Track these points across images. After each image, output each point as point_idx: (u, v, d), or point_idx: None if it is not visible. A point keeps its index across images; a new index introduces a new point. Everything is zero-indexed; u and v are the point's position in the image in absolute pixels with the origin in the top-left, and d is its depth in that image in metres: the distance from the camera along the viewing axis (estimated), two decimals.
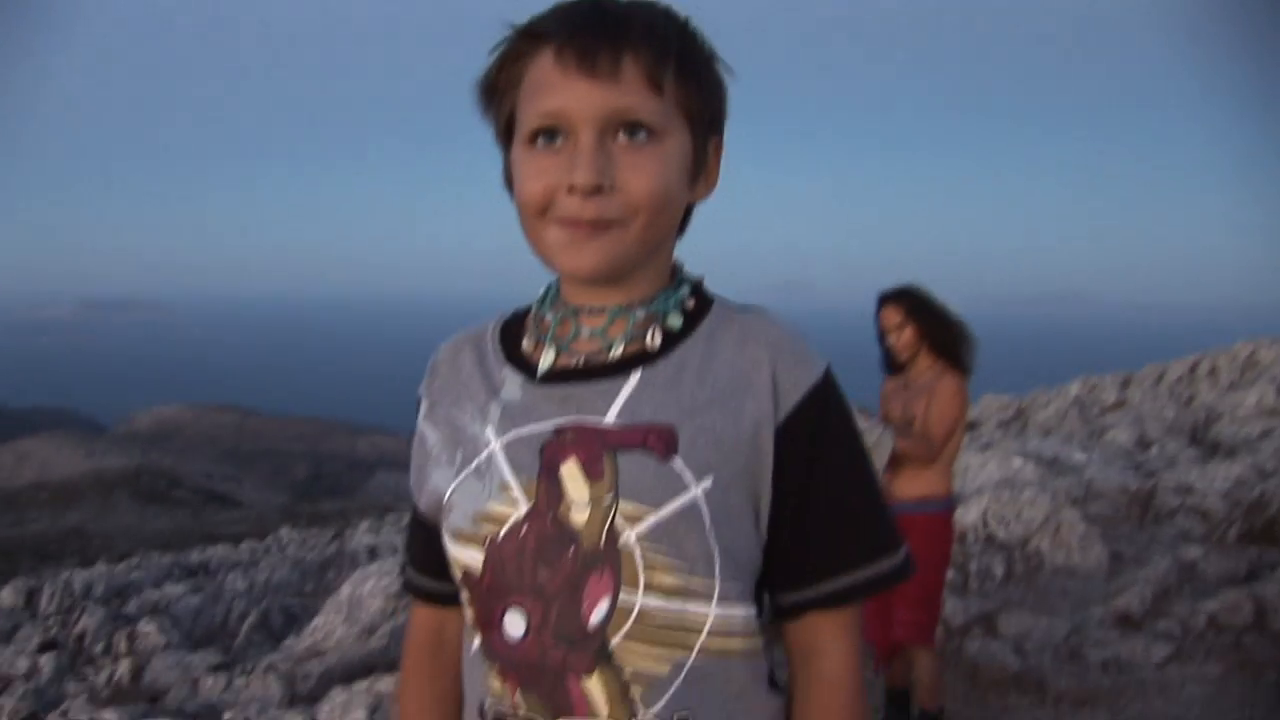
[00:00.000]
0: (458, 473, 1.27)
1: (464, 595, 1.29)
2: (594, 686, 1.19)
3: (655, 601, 1.19)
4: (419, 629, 1.47)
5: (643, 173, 1.18)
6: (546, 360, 1.27)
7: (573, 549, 1.20)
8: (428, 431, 1.35)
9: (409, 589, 1.49)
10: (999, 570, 7.92)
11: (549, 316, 1.31)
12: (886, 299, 4.64)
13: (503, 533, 1.22)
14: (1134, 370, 22.96)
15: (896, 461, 4.62)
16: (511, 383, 1.29)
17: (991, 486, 9.60)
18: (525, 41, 1.21)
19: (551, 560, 1.20)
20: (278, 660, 7.11)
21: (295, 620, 9.47)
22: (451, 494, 1.27)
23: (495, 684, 1.25)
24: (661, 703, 1.19)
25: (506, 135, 1.27)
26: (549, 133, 1.19)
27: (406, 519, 1.53)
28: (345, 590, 6.75)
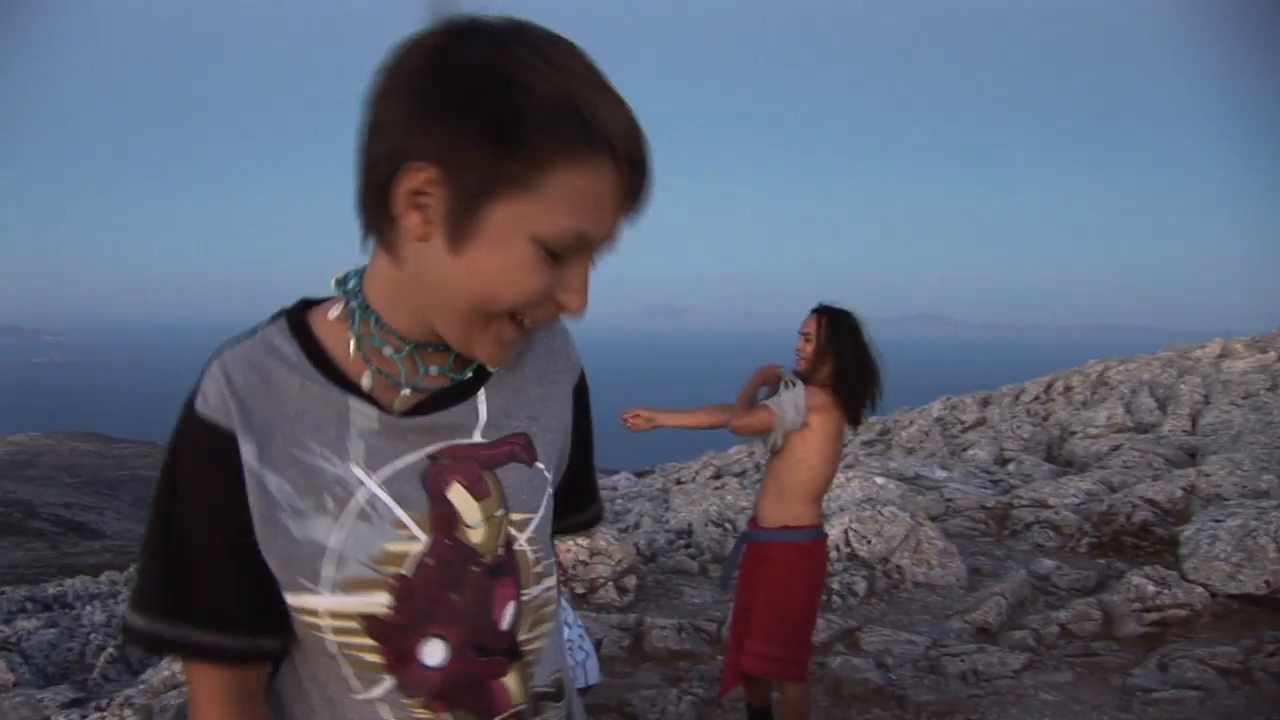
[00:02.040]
0: (336, 520, 1.17)
1: (353, 642, 1.20)
2: (511, 681, 1.27)
3: (537, 589, 1.29)
4: (219, 690, 1.22)
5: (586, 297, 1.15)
6: (403, 402, 1.22)
7: (477, 567, 1.23)
8: (268, 477, 1.17)
9: (190, 653, 1.20)
10: (861, 587, 8.05)
11: (386, 350, 1.22)
12: (817, 309, 4.54)
13: (410, 569, 1.19)
14: (993, 390, 23.69)
15: (765, 484, 4.59)
16: (363, 415, 1.20)
17: (854, 505, 9.77)
18: (597, 140, 1.04)
19: (459, 582, 1.22)
20: (135, 695, 6.87)
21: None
22: (341, 544, 1.17)
23: (422, 714, 1.23)
24: (547, 671, 1.33)
25: (483, 179, 1.04)
26: (562, 248, 1.09)
27: (149, 558, 1.20)
28: None
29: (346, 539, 1.17)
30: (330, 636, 1.19)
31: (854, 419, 4.50)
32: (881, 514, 8.89)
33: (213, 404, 1.17)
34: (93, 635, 11.22)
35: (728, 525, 10.63)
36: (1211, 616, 6.91)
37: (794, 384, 4.46)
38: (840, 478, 11.69)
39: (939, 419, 21.06)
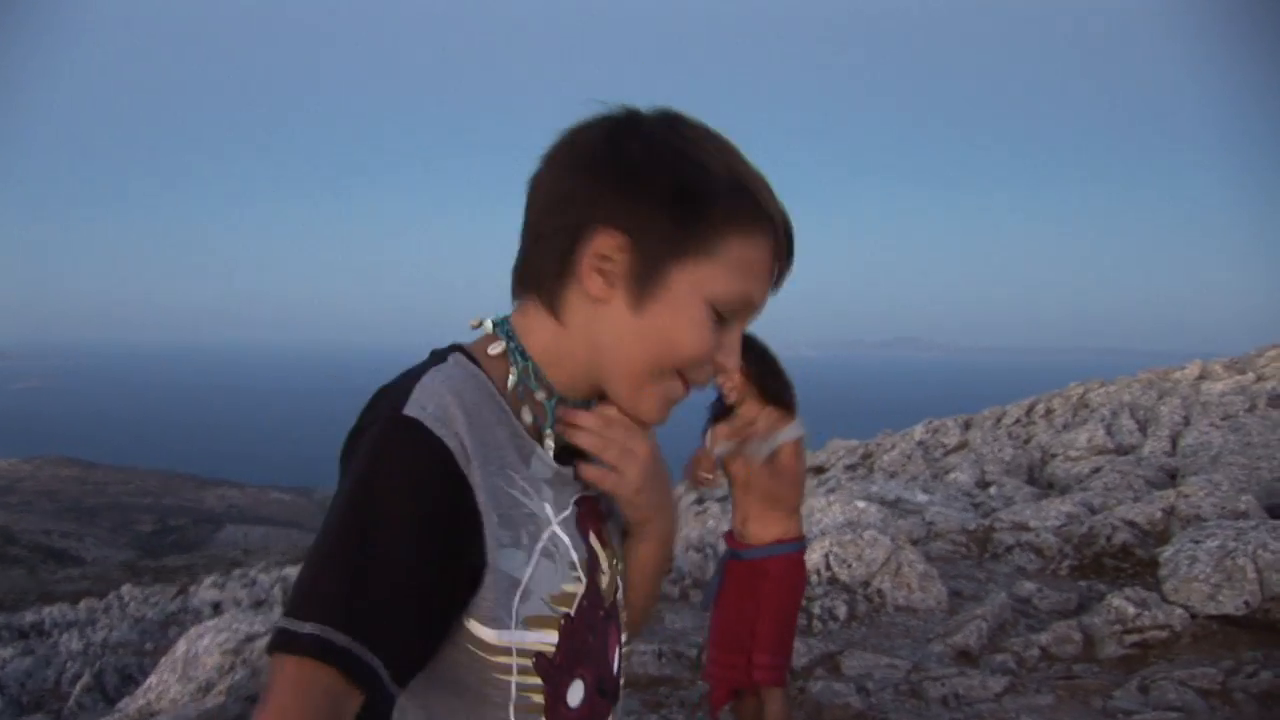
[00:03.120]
0: (529, 556, 1.19)
1: (526, 682, 1.19)
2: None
3: (627, 636, 1.41)
4: (326, 702, 1.06)
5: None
6: (550, 445, 1.26)
7: (602, 612, 1.31)
8: (483, 503, 1.15)
9: (356, 672, 1.07)
10: (842, 611, 8.03)
11: (539, 395, 1.26)
12: None
13: (574, 610, 1.24)
14: (975, 412, 23.73)
15: (746, 506, 4.65)
16: (542, 459, 1.25)
17: (835, 529, 9.77)
18: (763, 215, 1.19)
19: (595, 626, 1.29)
20: None
21: (132, 680, 9.08)
22: (528, 580, 1.18)
23: None
24: (620, 715, 1.40)
25: (667, 244, 1.17)
26: (730, 311, 1.22)
27: (355, 575, 1.08)
28: (181, 647, 6.49)
29: (533, 575, 1.19)
30: (514, 677, 1.18)
31: (791, 410, 4.62)
32: (862, 538, 8.88)
33: (439, 419, 1.13)
34: (69, 663, 11.12)
35: (709, 550, 10.60)
36: (1191, 637, 6.91)
37: (761, 442, 4.55)
38: (821, 501, 11.68)
39: (921, 442, 21.07)
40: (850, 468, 19.95)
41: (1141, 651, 6.83)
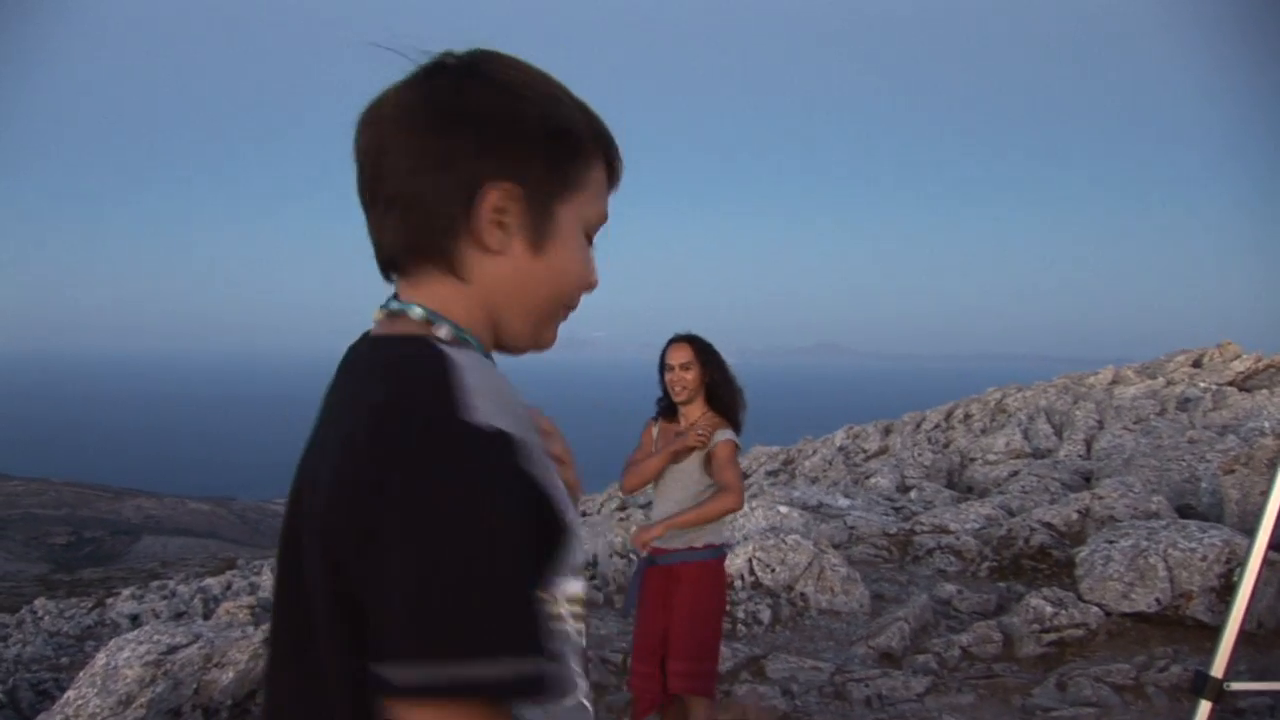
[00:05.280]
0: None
1: (577, 626, 1.19)
2: None
3: None
4: None
5: None
6: None
7: None
8: (550, 480, 1.13)
9: (550, 694, 1.02)
10: (766, 615, 8.07)
11: None
12: (679, 337, 4.70)
13: None
14: (895, 418, 24.03)
15: (665, 511, 4.66)
16: None
17: (758, 534, 9.82)
18: (604, 138, 1.27)
19: None
20: None
21: (48, 696, 8.85)
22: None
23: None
24: None
25: (550, 185, 1.20)
26: (593, 233, 1.29)
27: (524, 599, 1.02)
28: (100, 660, 6.31)
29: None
30: (569, 624, 1.16)
31: (738, 423, 4.70)
32: (785, 543, 8.93)
33: (491, 410, 1.07)
34: None
35: (632, 556, 10.60)
36: (1107, 635, 7.06)
37: (713, 436, 4.62)
38: (744, 508, 11.74)
39: (842, 448, 21.30)
40: (772, 473, 20.11)
41: (1059, 650, 6.97)
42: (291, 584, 1.12)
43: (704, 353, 4.67)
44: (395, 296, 1.23)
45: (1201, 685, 2.52)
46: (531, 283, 1.22)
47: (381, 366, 1.14)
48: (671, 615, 4.60)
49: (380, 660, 0.96)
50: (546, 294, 1.24)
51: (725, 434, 4.60)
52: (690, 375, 4.63)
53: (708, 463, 4.61)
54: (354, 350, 1.25)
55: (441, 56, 1.20)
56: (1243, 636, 2.52)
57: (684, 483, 4.65)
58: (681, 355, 4.65)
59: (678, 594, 4.59)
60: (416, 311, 1.19)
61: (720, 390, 4.67)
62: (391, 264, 1.23)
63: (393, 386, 1.08)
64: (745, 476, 20.20)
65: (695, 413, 4.68)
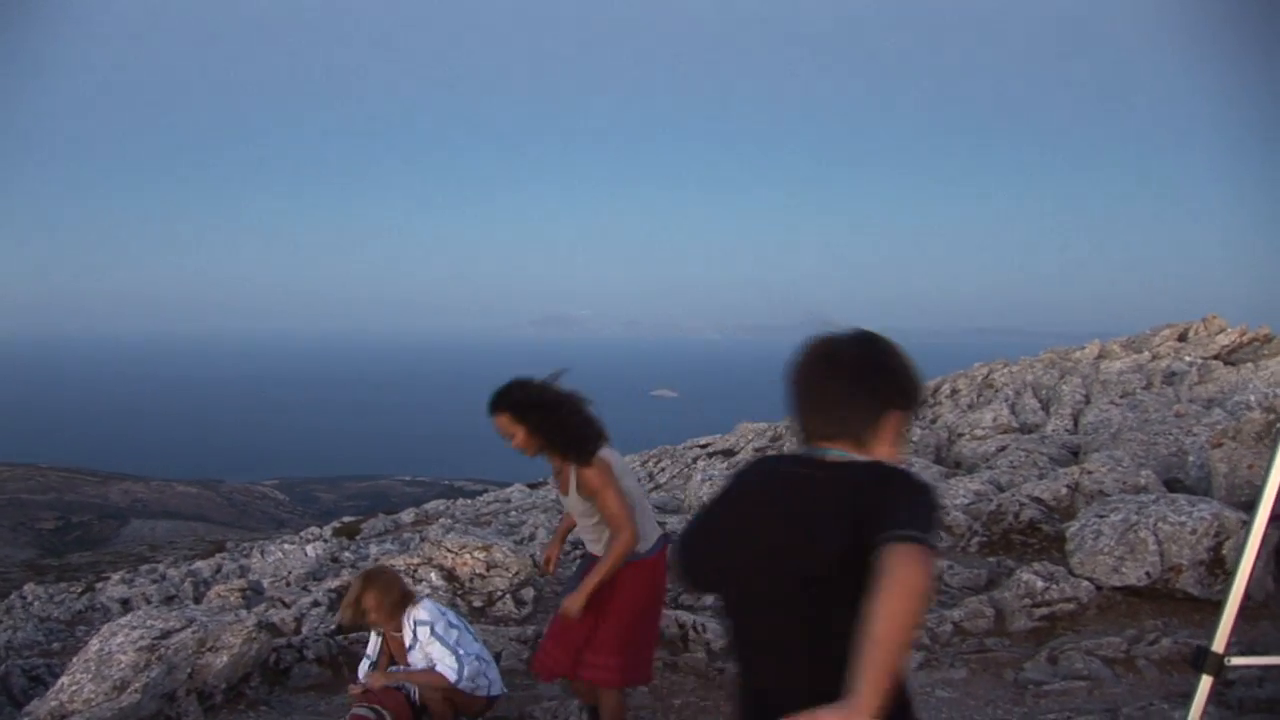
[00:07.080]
0: None
1: None
2: None
3: None
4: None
5: None
6: None
7: None
8: None
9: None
10: None
11: None
12: (490, 405, 4.61)
13: None
14: None
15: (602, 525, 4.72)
16: None
17: None
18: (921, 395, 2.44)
19: None
20: None
21: (40, 682, 8.83)
22: None
23: None
24: None
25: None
26: None
27: (938, 519, 2.21)
28: (94, 645, 6.30)
29: None
30: None
31: (588, 455, 4.59)
32: None
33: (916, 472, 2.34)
34: None
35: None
36: (1097, 609, 7.11)
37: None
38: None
39: None
40: (760, 450, 20.10)
41: (1050, 624, 7.01)
42: (781, 604, 2.20)
43: (516, 410, 4.59)
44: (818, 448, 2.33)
45: (1202, 660, 2.54)
46: (890, 456, 2.30)
47: (862, 466, 2.22)
48: (600, 613, 4.69)
49: (893, 529, 1.99)
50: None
51: (584, 466, 4.59)
52: (519, 439, 4.59)
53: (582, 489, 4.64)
54: (776, 470, 2.39)
55: (853, 331, 2.32)
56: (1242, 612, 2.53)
57: (580, 512, 4.73)
58: (501, 427, 4.61)
59: (608, 597, 4.67)
60: (839, 454, 2.29)
61: (551, 434, 4.60)
62: (825, 434, 2.29)
63: (878, 465, 2.22)
64: (732, 453, 20.22)
65: (556, 460, 4.69)
